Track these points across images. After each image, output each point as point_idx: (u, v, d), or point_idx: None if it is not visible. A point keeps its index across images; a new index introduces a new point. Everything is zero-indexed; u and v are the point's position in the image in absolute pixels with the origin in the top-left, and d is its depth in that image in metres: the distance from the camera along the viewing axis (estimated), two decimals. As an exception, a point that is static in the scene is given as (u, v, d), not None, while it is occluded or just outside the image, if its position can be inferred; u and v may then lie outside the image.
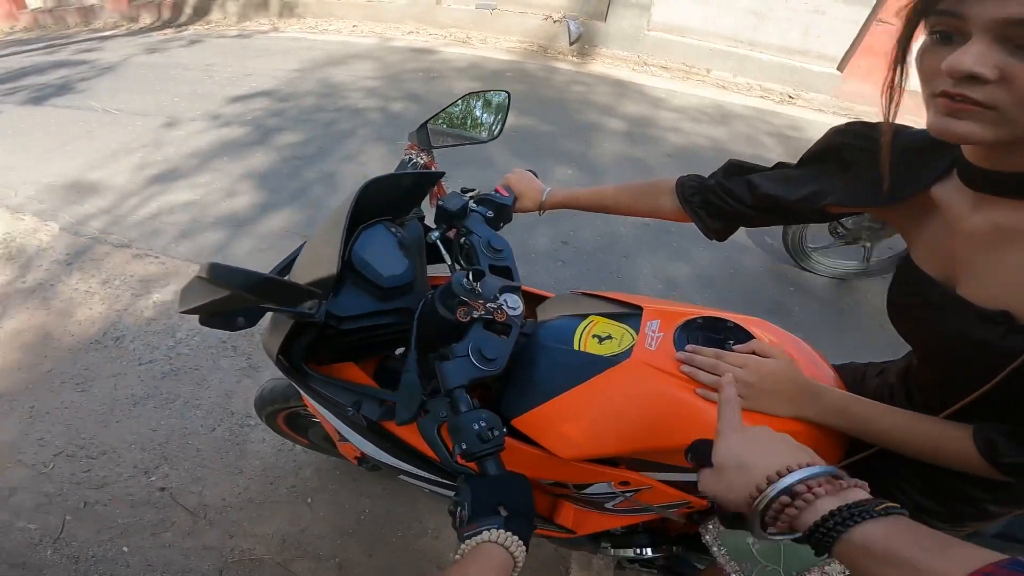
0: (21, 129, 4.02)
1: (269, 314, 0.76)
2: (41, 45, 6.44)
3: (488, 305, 0.76)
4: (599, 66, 5.84)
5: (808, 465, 0.48)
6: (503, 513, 0.61)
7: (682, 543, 1.05)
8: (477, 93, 1.16)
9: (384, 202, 0.92)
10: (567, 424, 0.78)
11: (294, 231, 2.88)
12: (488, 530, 0.57)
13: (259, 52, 5.89)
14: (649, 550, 1.03)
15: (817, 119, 4.92)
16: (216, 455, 1.79)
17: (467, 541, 0.57)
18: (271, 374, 1.86)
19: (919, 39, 0.54)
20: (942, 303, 0.63)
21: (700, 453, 0.60)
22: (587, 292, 0.97)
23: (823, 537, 0.44)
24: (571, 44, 6.08)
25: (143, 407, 1.93)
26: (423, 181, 1.00)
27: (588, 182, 3.51)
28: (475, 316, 0.74)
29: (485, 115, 1.20)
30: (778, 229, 2.73)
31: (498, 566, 0.55)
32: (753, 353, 0.76)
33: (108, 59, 5.71)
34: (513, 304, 0.81)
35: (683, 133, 4.35)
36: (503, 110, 1.17)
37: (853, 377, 0.93)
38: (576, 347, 0.83)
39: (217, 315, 0.68)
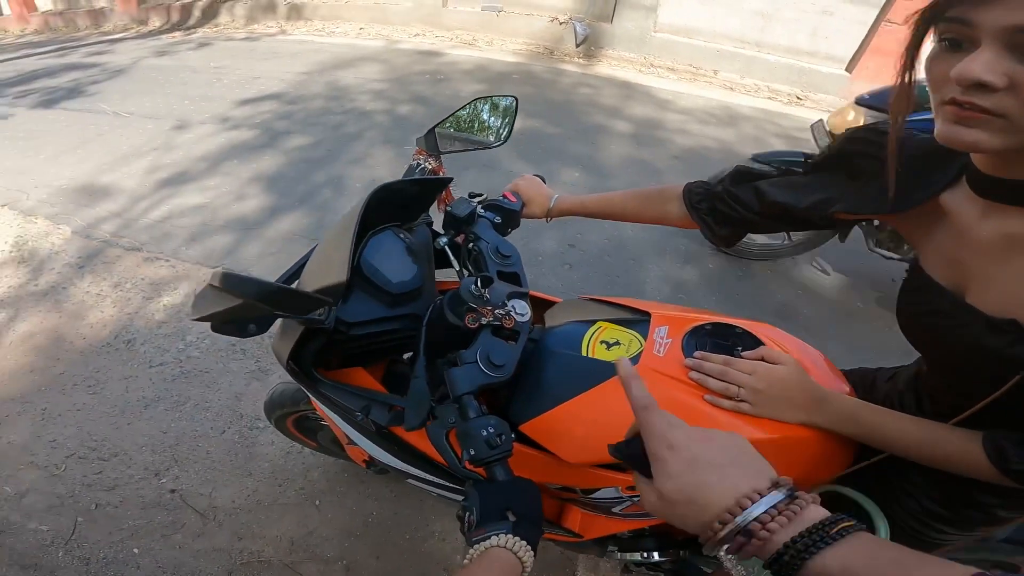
0: (33, 132, 4.06)
1: (279, 319, 0.77)
2: (52, 48, 6.49)
3: (496, 312, 0.76)
4: (605, 68, 5.84)
5: (759, 494, 0.44)
6: (511, 518, 0.61)
7: (688, 547, 1.04)
8: (485, 98, 1.15)
9: (392, 208, 0.92)
10: (575, 429, 0.78)
11: (303, 234, 2.90)
12: (496, 535, 0.58)
13: (267, 55, 5.94)
14: (656, 554, 1.03)
15: (825, 120, 4.89)
16: (226, 457, 1.81)
17: (475, 546, 0.58)
18: (280, 377, 1.87)
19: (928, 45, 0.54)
20: (951, 311, 0.63)
21: (632, 456, 0.52)
22: (595, 298, 0.97)
23: (783, 569, 0.42)
24: (577, 46, 6.08)
25: (154, 409, 1.95)
26: (431, 187, 1.00)
27: (595, 184, 3.52)
28: (483, 323, 0.75)
29: (493, 119, 1.19)
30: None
31: (506, 570, 0.55)
32: (762, 359, 0.76)
33: (118, 62, 5.76)
34: (521, 310, 0.81)
35: (690, 135, 4.35)
36: (511, 114, 1.17)
37: (863, 382, 0.93)
38: (584, 353, 0.83)
39: (229, 322, 0.69)
